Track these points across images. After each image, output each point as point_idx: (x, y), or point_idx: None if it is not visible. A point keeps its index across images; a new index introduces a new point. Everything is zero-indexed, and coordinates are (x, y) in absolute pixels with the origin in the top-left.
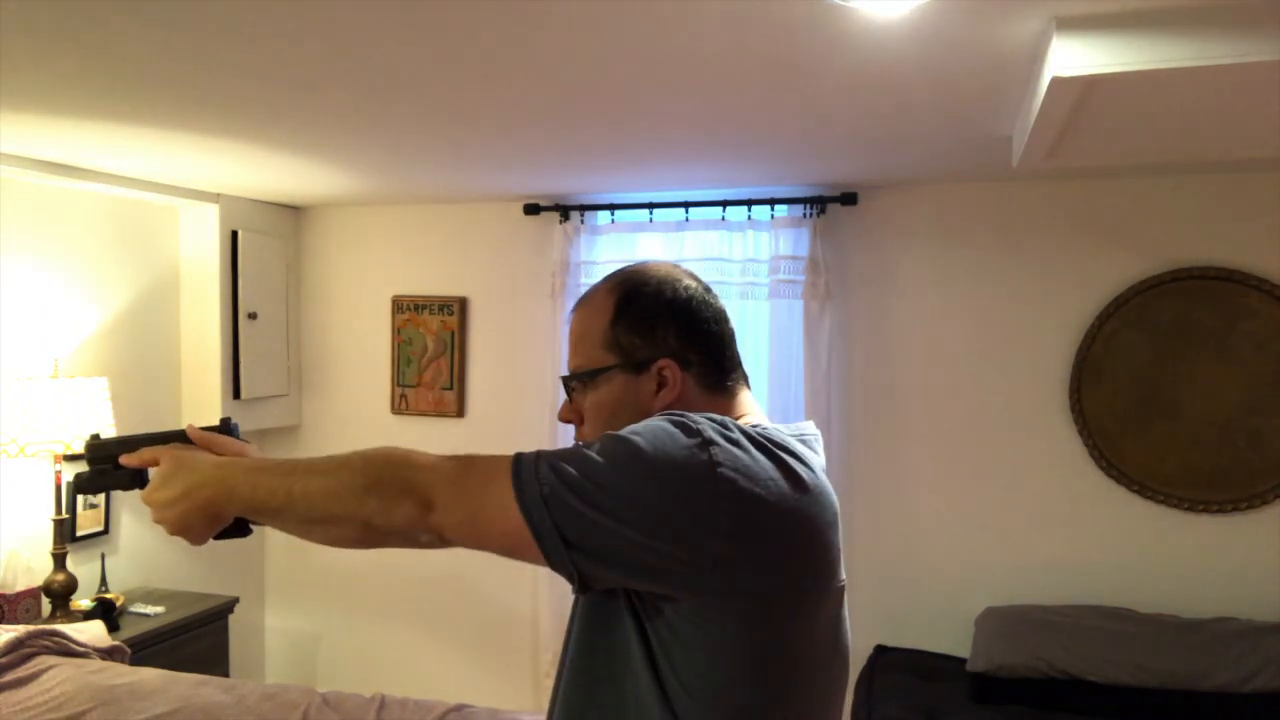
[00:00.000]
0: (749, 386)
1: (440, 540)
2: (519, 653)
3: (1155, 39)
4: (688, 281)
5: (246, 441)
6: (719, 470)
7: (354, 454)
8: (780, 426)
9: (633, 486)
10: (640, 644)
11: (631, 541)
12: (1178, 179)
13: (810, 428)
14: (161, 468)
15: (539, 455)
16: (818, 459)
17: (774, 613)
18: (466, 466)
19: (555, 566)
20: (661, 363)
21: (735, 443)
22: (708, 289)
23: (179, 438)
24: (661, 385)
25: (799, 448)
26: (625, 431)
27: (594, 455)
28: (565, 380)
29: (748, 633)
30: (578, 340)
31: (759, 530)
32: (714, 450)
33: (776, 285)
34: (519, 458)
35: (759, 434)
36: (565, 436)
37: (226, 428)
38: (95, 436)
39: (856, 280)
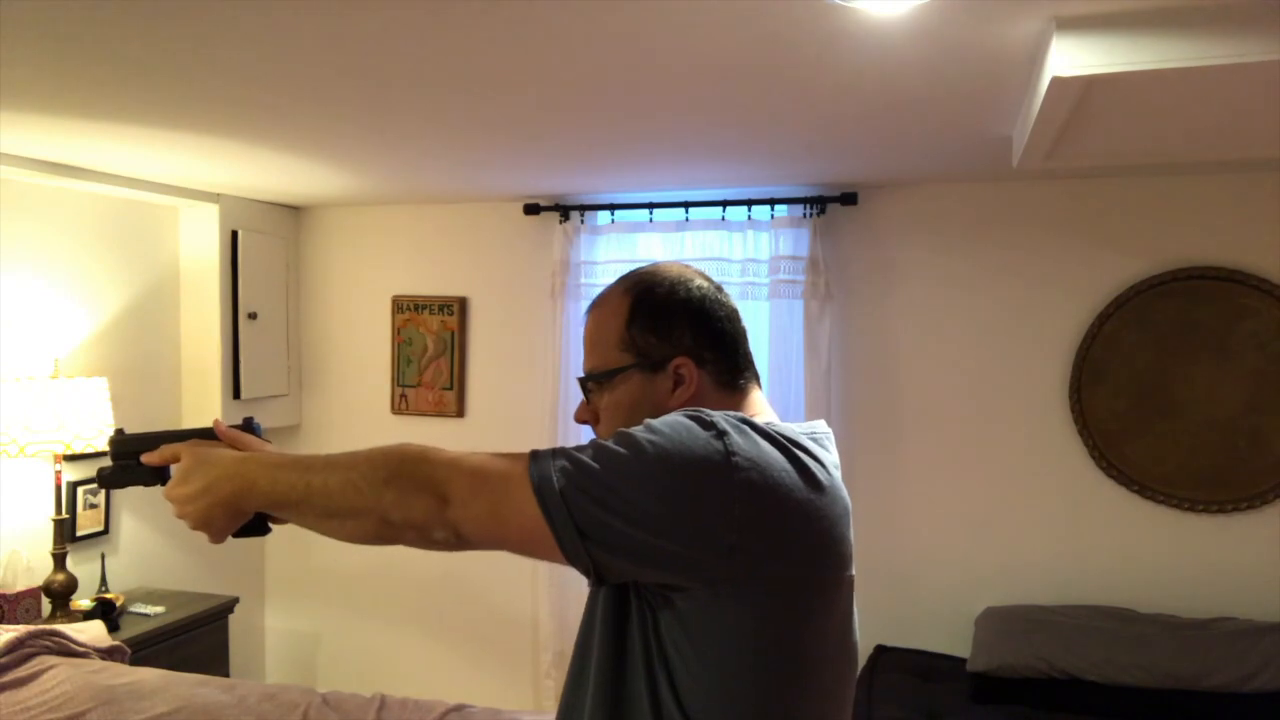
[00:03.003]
0: (760, 386)
1: (455, 536)
2: (519, 653)
3: (1155, 39)
4: (700, 281)
5: (268, 441)
6: (734, 459)
7: (374, 449)
8: (793, 425)
9: (650, 477)
10: (652, 637)
11: (648, 531)
12: (1178, 179)
13: (822, 426)
14: (183, 463)
15: (556, 450)
16: (830, 456)
17: (785, 603)
18: (484, 462)
19: (571, 560)
20: (678, 361)
21: (750, 436)
22: (719, 288)
23: (205, 434)
24: (678, 383)
25: (811, 445)
26: (642, 425)
27: (611, 447)
28: (583, 381)
29: (758, 623)
30: (594, 341)
31: (773, 519)
32: (729, 441)
33: (776, 285)
34: (535, 453)
35: (773, 430)
36: (567, 436)
37: (249, 427)
38: (119, 432)
39: (856, 280)
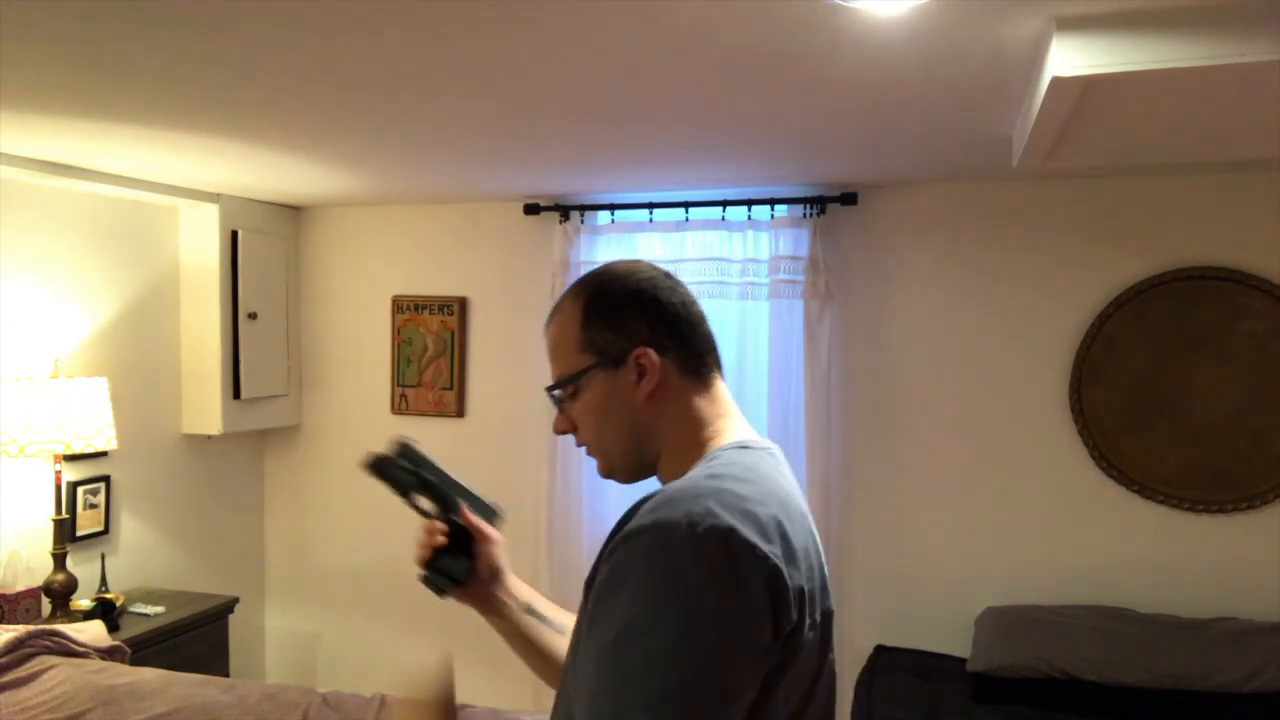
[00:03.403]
0: (723, 375)
1: None
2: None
3: (1155, 39)
4: (649, 272)
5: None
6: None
7: None
8: (751, 442)
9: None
10: None
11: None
12: (1178, 179)
13: (775, 451)
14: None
15: None
16: (795, 499)
17: (787, 672)
18: None
19: None
20: (637, 352)
21: (722, 577)
22: (669, 274)
23: (485, 509)
24: (641, 374)
25: (792, 506)
26: (626, 638)
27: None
28: (550, 391)
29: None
30: (554, 351)
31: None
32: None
33: (776, 285)
34: None
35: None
36: (566, 436)
37: (491, 515)
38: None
39: (856, 280)
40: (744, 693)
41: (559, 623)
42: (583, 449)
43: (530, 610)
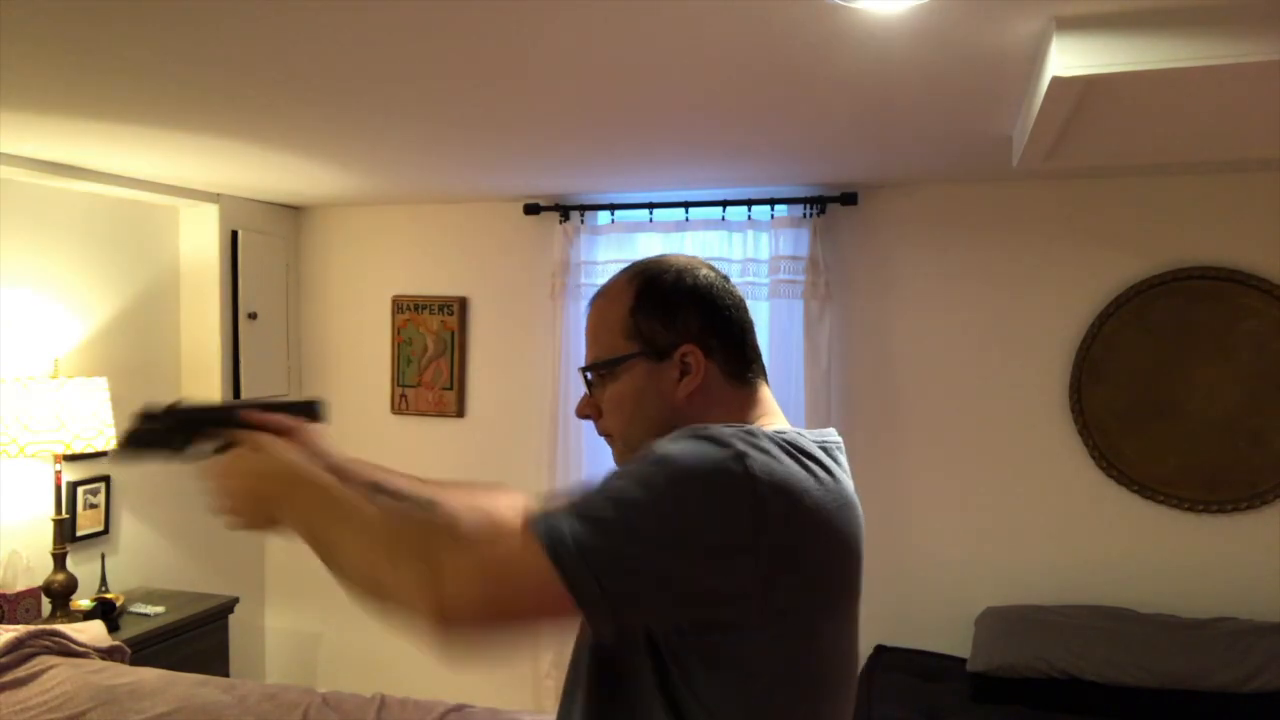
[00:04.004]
0: (767, 381)
1: (441, 618)
2: (519, 653)
3: (1155, 39)
4: (706, 270)
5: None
6: (758, 484)
7: (402, 515)
8: (805, 432)
9: (674, 513)
10: (659, 684)
11: (679, 568)
12: (1178, 179)
13: (833, 435)
14: (244, 449)
15: (559, 507)
16: (842, 470)
17: (810, 628)
18: (472, 530)
19: (593, 618)
20: (684, 349)
21: (768, 453)
22: (726, 278)
23: (302, 407)
24: (684, 372)
25: (825, 459)
26: (653, 455)
27: (629, 487)
28: (584, 372)
29: (783, 652)
30: (596, 330)
31: (804, 544)
32: (750, 463)
33: (776, 285)
34: (533, 516)
35: (786, 443)
36: (568, 436)
37: (312, 411)
38: (177, 403)
39: (856, 280)
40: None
41: (423, 498)
42: (571, 427)
43: (379, 488)
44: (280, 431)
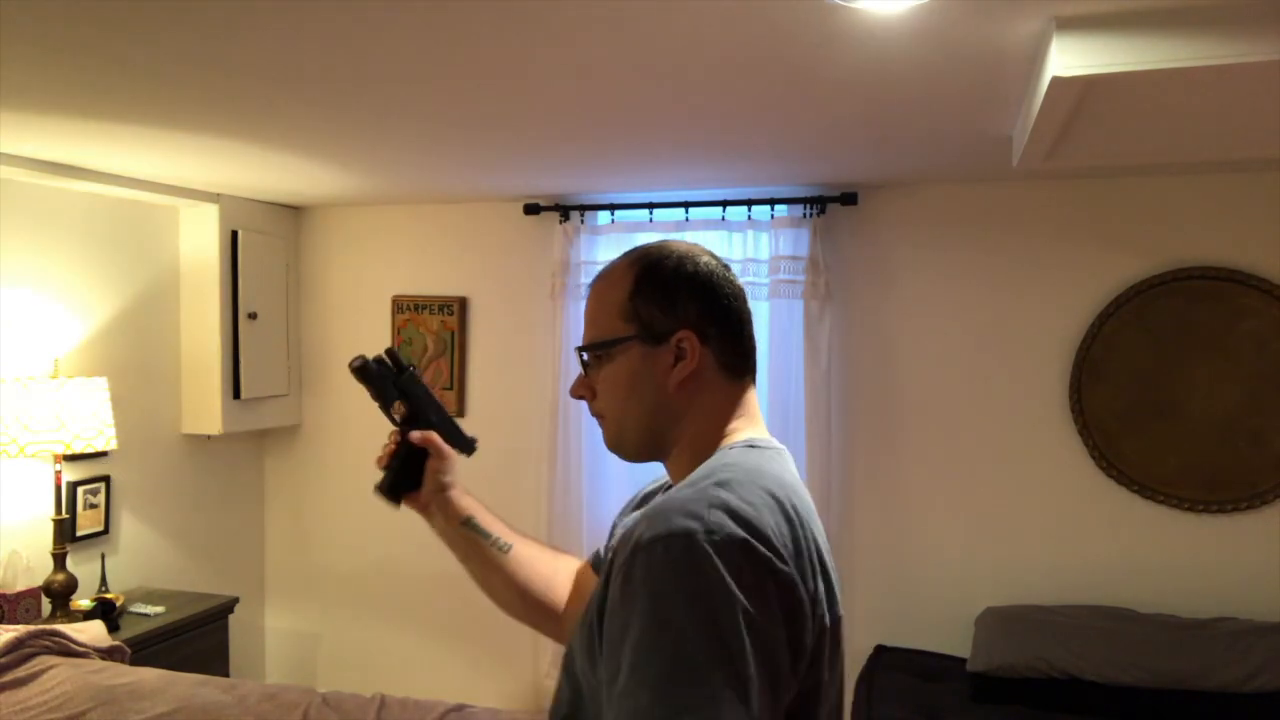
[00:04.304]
0: (754, 382)
1: None
2: (519, 653)
3: (1155, 39)
4: (707, 258)
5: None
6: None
7: None
8: (758, 441)
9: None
10: None
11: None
12: (1178, 179)
13: (782, 451)
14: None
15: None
16: (799, 488)
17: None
18: None
19: None
20: (680, 334)
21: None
22: (726, 266)
23: (462, 437)
24: (679, 358)
25: (790, 492)
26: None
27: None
28: (580, 352)
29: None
30: (595, 312)
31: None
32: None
33: (776, 285)
34: None
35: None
36: (568, 436)
37: (468, 444)
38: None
39: (856, 280)
40: (772, 689)
41: (502, 540)
42: (571, 426)
43: (468, 523)
44: (437, 455)
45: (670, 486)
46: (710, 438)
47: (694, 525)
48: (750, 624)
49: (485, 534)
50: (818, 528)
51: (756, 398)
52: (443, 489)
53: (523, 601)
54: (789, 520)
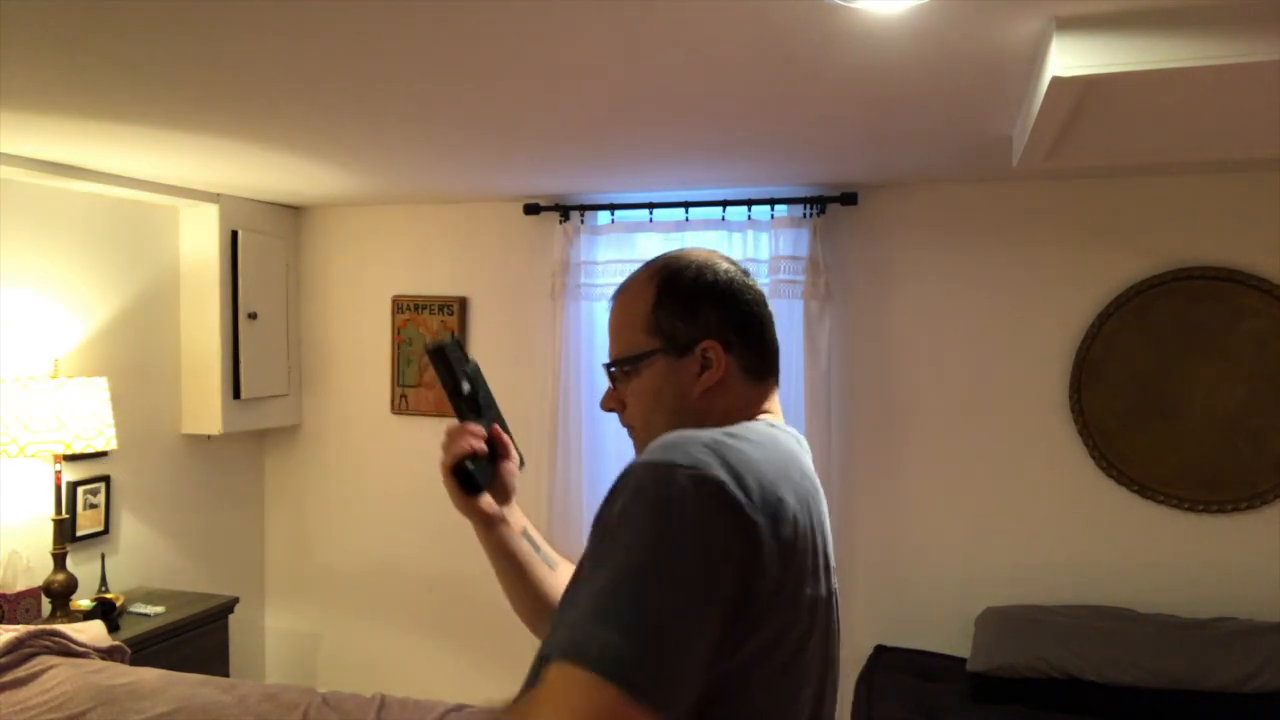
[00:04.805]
0: (778, 381)
1: None
2: (519, 653)
3: (1155, 39)
4: (726, 265)
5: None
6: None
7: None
8: (777, 423)
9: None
10: None
11: (698, 630)
12: (1178, 179)
13: (792, 434)
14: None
15: (573, 638)
16: (808, 472)
17: (782, 637)
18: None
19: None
20: (705, 344)
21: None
22: (746, 272)
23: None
24: (704, 367)
25: (793, 460)
26: (622, 540)
27: (622, 590)
28: (608, 367)
29: (762, 661)
30: (618, 327)
31: (783, 564)
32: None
33: (776, 285)
34: (561, 658)
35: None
36: (568, 436)
37: (460, 349)
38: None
39: (856, 280)
40: (699, 634)
41: (550, 556)
42: (571, 426)
43: (526, 535)
44: (508, 456)
45: None
46: None
47: (676, 459)
48: (707, 560)
49: (537, 546)
50: (820, 499)
51: (778, 399)
52: (509, 496)
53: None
54: (780, 481)
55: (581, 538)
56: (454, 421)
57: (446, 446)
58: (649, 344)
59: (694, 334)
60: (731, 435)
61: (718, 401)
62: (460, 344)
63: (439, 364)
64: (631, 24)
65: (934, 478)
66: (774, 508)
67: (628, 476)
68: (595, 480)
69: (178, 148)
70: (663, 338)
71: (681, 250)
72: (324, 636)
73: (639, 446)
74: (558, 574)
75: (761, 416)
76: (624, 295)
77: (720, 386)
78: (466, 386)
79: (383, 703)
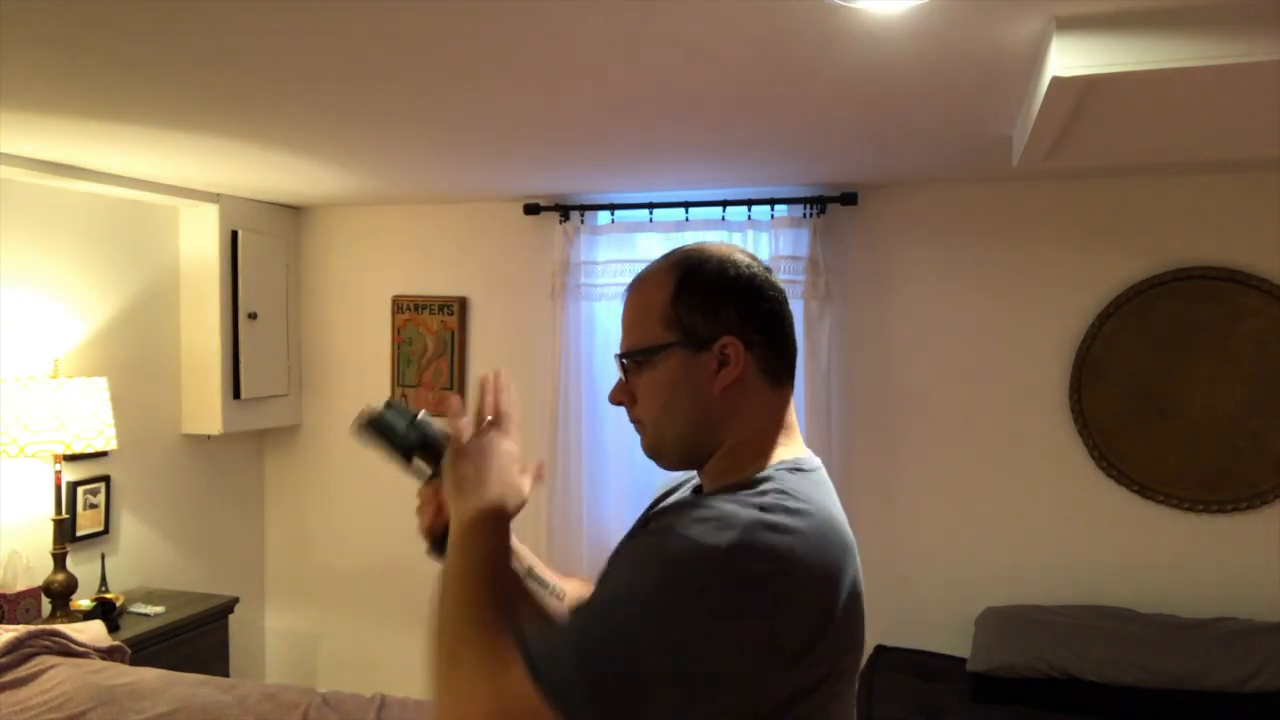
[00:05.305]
0: (793, 387)
1: None
2: None
3: (1155, 39)
4: (748, 260)
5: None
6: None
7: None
8: (803, 463)
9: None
10: None
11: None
12: (1178, 179)
13: (819, 465)
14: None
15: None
16: (839, 515)
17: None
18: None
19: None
20: (724, 340)
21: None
22: (768, 268)
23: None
24: (722, 364)
25: (826, 512)
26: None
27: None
28: (620, 358)
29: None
30: (635, 318)
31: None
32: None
33: None
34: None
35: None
36: (568, 436)
37: (395, 409)
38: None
39: (856, 280)
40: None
41: (558, 588)
42: (571, 427)
43: (531, 574)
44: None
45: (699, 487)
46: (752, 448)
47: (721, 542)
48: (719, 636)
49: (544, 583)
50: (855, 553)
51: (792, 402)
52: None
53: None
54: (829, 556)
55: (581, 541)
56: (420, 485)
57: (419, 511)
58: (665, 337)
59: (714, 329)
60: (768, 509)
61: (738, 406)
62: (393, 403)
63: (374, 438)
64: (631, 24)
65: (934, 477)
66: (835, 586)
67: (665, 535)
68: (595, 481)
69: (178, 148)
70: (681, 331)
71: (701, 244)
72: (324, 636)
73: (646, 443)
74: (567, 602)
75: (778, 449)
76: (641, 286)
77: (738, 386)
78: (413, 453)
79: (383, 703)
